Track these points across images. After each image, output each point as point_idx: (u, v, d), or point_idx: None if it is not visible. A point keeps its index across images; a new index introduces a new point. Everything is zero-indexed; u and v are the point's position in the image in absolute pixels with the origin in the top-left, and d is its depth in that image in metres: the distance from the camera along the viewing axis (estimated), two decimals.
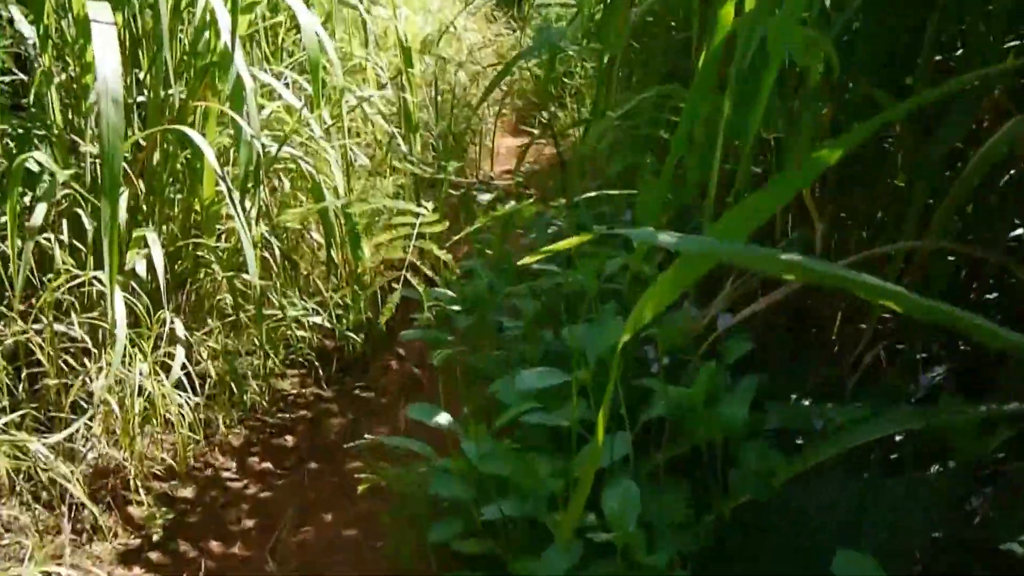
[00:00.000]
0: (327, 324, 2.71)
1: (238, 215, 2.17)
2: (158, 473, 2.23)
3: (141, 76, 2.58)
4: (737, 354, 1.40)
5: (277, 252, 2.57)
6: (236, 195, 2.37)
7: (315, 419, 2.73)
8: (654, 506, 1.18)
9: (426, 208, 1.52)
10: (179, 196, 2.63)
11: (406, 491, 1.55)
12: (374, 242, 1.53)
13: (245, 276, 2.35)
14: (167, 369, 2.15)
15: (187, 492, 2.27)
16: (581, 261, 1.59)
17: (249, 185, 2.45)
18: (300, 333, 2.76)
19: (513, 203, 2.03)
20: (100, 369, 1.94)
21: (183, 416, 2.10)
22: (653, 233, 0.78)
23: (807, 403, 1.38)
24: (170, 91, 2.49)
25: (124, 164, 2.48)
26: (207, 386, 2.49)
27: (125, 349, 1.93)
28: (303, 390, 2.84)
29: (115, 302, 1.72)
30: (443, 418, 1.47)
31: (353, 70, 3.51)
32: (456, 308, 1.70)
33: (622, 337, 0.81)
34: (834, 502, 1.17)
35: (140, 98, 2.57)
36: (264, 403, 2.65)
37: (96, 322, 1.99)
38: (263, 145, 2.42)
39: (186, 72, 2.64)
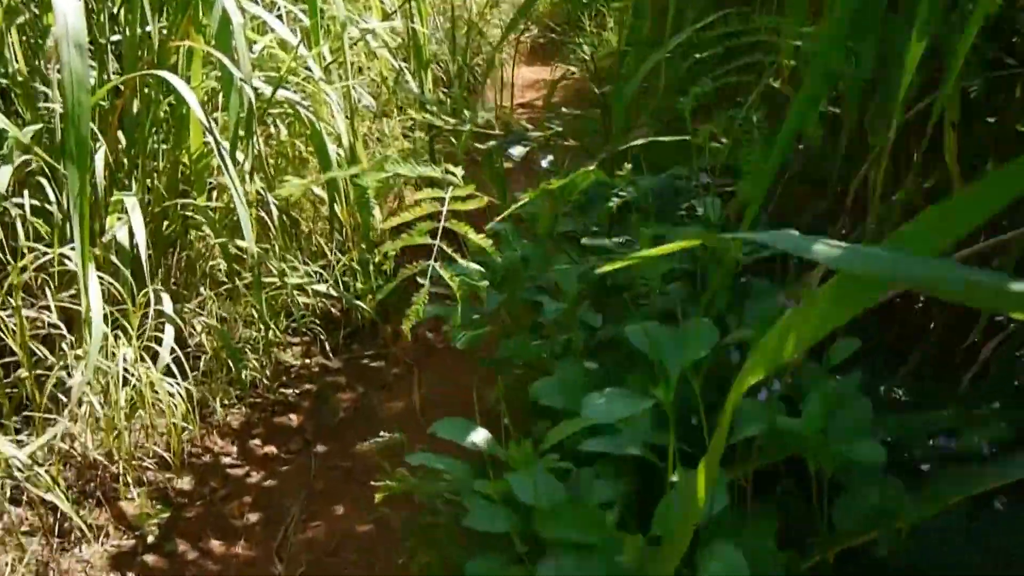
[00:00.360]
0: (333, 292, 2.53)
1: (230, 174, 1.98)
2: (150, 466, 2.07)
3: (115, 11, 2.36)
4: (843, 355, 1.22)
5: (275, 211, 2.38)
6: (226, 147, 2.18)
7: (321, 394, 2.58)
8: (740, 543, 1.01)
9: (454, 175, 1.32)
10: (164, 147, 2.43)
11: (431, 505, 1.39)
12: (392, 224, 1.34)
13: (240, 242, 2.17)
14: (156, 349, 1.99)
15: (184, 483, 2.13)
16: (642, 234, 1.39)
17: (241, 134, 2.25)
18: (303, 300, 2.59)
19: (551, 158, 1.82)
20: (79, 358, 1.77)
21: (175, 406, 1.94)
22: (805, 242, 0.59)
23: (917, 409, 1.20)
24: (148, 28, 2.27)
25: (101, 113, 2.29)
26: (202, 362, 2.34)
27: (107, 332, 1.76)
28: (307, 360, 2.68)
29: (90, 288, 1.54)
30: (479, 436, 1.30)
31: None
32: (484, 283, 1.51)
33: (749, 375, 0.63)
34: (981, 551, 0.99)
35: (115, 36, 2.36)
36: (265, 378, 2.50)
37: (71, 305, 1.81)
38: (255, 90, 2.21)
39: (166, 5, 2.42)
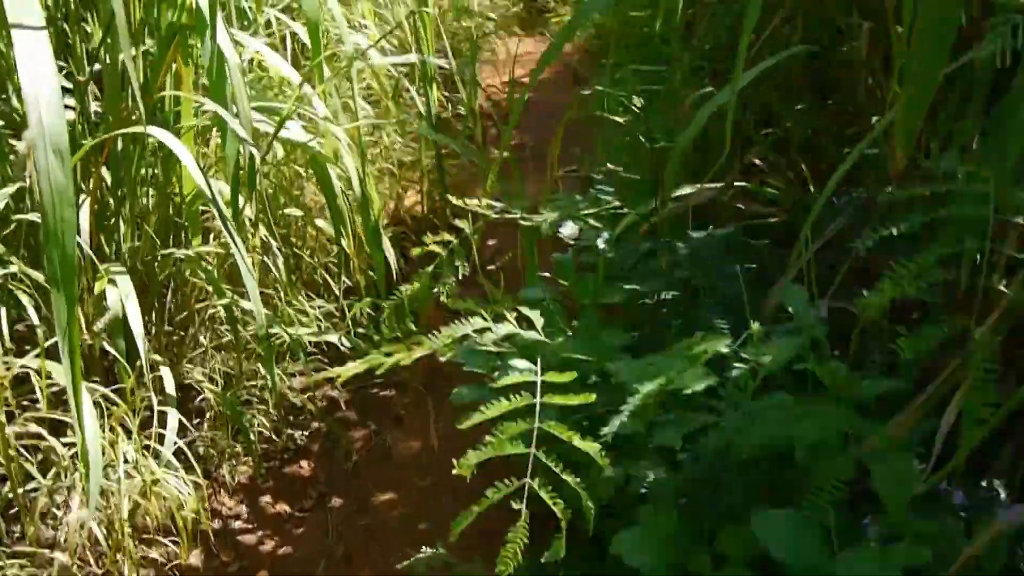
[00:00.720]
0: (346, 342, 2.25)
1: (232, 236, 1.68)
2: (155, 542, 1.81)
3: (97, 45, 2.00)
4: None
5: (280, 258, 2.08)
6: (224, 193, 1.88)
7: (331, 434, 2.31)
8: None
9: (537, 329, 1.02)
10: (155, 171, 2.09)
11: None
12: (473, 422, 1.05)
13: (245, 304, 1.87)
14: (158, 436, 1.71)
15: (193, 558, 1.87)
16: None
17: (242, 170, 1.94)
18: (309, 339, 2.30)
19: (606, 236, 1.52)
20: (73, 483, 1.48)
21: (184, 502, 1.67)
22: None
23: None
24: (132, 53, 1.92)
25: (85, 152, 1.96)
26: (206, 419, 2.07)
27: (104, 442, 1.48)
28: (314, 394, 2.39)
29: (84, 427, 1.24)
30: None
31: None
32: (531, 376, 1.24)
33: None
34: None
35: (96, 66, 2.01)
36: (271, 420, 2.22)
37: (61, 417, 1.51)
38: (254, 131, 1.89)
39: (151, 24, 2.06)
